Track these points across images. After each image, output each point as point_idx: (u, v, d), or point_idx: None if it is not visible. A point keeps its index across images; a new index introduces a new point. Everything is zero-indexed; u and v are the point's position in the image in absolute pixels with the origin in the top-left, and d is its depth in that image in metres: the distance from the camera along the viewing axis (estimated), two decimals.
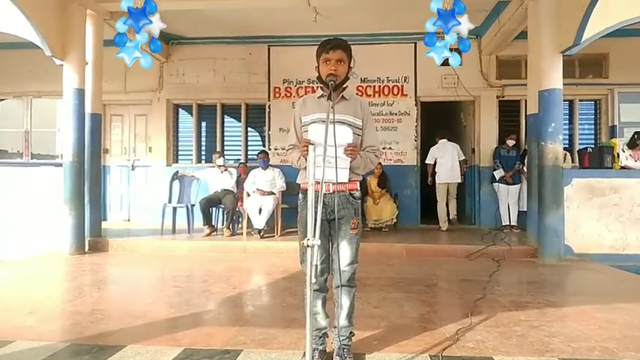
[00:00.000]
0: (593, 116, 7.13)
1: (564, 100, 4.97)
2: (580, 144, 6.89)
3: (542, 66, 4.56)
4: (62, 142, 5.26)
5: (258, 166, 5.93)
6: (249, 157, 7.37)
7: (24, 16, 4.41)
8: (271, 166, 6.02)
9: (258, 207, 5.55)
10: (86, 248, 5.05)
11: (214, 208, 5.97)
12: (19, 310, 2.84)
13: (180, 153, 7.62)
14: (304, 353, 1.71)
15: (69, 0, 4.92)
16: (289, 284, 3.57)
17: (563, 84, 4.55)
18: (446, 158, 6.34)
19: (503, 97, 6.92)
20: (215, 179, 6.02)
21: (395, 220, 6.26)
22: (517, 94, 6.69)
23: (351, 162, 1.92)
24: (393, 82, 7.02)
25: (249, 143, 7.50)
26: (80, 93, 5.05)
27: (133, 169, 7.46)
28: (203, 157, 7.55)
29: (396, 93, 7.02)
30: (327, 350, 2.06)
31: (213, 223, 5.84)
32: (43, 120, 7.66)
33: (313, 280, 1.56)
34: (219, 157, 6.08)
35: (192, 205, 5.96)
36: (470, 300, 3.04)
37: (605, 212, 4.78)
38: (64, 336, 2.36)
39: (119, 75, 6.97)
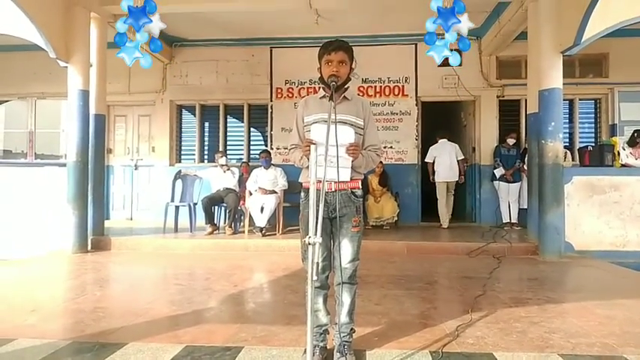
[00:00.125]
0: (593, 115, 7.13)
1: (564, 100, 5.00)
2: (580, 142, 6.91)
3: (542, 66, 4.58)
4: (66, 143, 5.31)
5: (261, 166, 5.97)
6: (251, 156, 7.41)
7: (28, 18, 4.45)
8: (273, 165, 6.06)
9: (260, 205, 5.58)
10: (89, 247, 5.09)
11: (216, 207, 6.00)
12: (21, 309, 2.86)
13: (183, 153, 7.67)
14: (305, 350, 1.73)
15: (73, 3, 4.97)
16: (291, 282, 3.59)
17: (564, 83, 4.57)
18: (444, 157, 6.40)
19: (503, 96, 6.94)
20: (217, 178, 6.06)
21: (396, 218, 6.29)
22: (517, 94, 6.73)
23: (353, 161, 1.94)
24: (394, 83, 7.05)
25: (251, 143, 7.54)
26: (84, 94, 5.10)
27: (136, 169, 7.51)
28: (206, 157, 7.59)
29: (397, 93, 7.05)
30: (328, 347, 2.08)
31: (215, 222, 5.87)
32: (47, 121, 7.72)
33: (314, 278, 1.58)
34: (222, 156, 6.11)
35: (195, 204, 6.00)
36: (470, 297, 3.06)
37: (606, 210, 4.79)
38: (66, 334, 2.38)
39: (123, 76, 7.03)
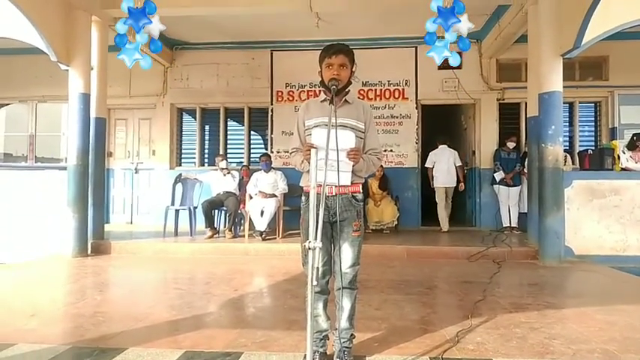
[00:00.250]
0: (593, 118, 7.14)
1: (564, 103, 4.99)
2: (580, 146, 6.90)
3: (542, 69, 4.58)
4: (67, 146, 5.31)
5: (261, 169, 5.97)
6: (251, 160, 7.41)
7: (30, 22, 4.47)
8: (273, 168, 6.06)
9: (260, 209, 5.58)
10: (89, 251, 5.09)
11: (217, 211, 6.00)
12: (21, 313, 2.86)
13: (183, 156, 7.68)
14: (305, 355, 1.72)
15: (74, 6, 4.99)
16: (291, 286, 3.59)
17: (564, 86, 4.58)
18: (443, 163, 6.44)
19: (503, 99, 6.95)
20: (218, 182, 6.06)
21: (396, 222, 6.29)
22: (517, 97, 6.73)
23: (353, 166, 1.94)
24: (394, 86, 7.06)
25: (251, 146, 7.55)
26: (85, 97, 5.11)
27: (136, 172, 7.52)
28: (206, 160, 7.60)
29: (397, 96, 7.06)
30: (328, 352, 2.08)
31: (215, 226, 5.87)
32: (47, 124, 7.73)
33: (314, 283, 1.58)
34: (222, 160, 6.11)
35: (195, 208, 6.00)
36: (470, 302, 3.05)
37: (606, 214, 4.78)
38: (66, 339, 2.37)
39: (124, 80, 7.05)
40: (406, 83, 7.04)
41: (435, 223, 6.54)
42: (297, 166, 2.06)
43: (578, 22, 4.16)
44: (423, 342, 2.30)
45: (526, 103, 5.62)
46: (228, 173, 6.07)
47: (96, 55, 5.39)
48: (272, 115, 7.24)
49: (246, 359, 2.08)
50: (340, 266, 1.98)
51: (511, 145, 6.27)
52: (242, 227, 6.00)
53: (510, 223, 6.23)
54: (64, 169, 5.16)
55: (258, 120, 7.51)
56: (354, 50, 2.06)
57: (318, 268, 1.58)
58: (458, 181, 6.49)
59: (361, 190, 2.07)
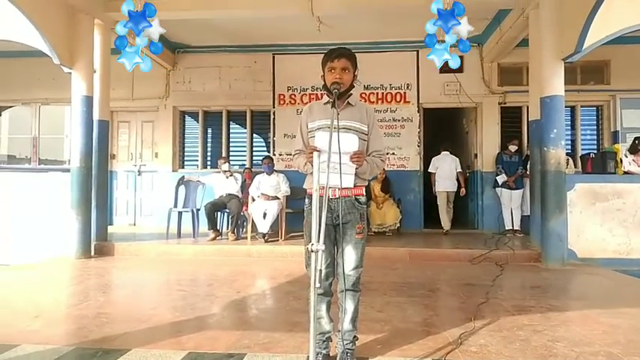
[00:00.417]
0: (595, 122, 7.14)
1: (566, 107, 5.00)
2: (582, 149, 6.92)
3: (544, 73, 4.59)
4: (70, 148, 5.34)
5: (263, 172, 5.99)
6: (254, 162, 7.43)
7: (33, 25, 4.50)
8: (276, 171, 6.07)
9: (262, 211, 5.59)
10: (92, 252, 5.10)
11: (219, 213, 6.01)
12: (24, 314, 2.87)
13: (186, 158, 7.70)
14: (308, 357, 1.73)
15: (77, 9, 5.03)
16: (293, 288, 3.59)
17: (565, 90, 4.58)
18: (444, 169, 6.53)
19: (504, 103, 6.97)
20: (220, 184, 6.07)
21: (398, 225, 6.29)
22: (519, 101, 6.75)
23: (356, 168, 1.95)
24: (395, 89, 7.08)
25: (254, 149, 7.57)
26: (88, 100, 5.14)
27: (139, 175, 7.54)
28: (209, 163, 7.62)
29: (398, 100, 7.08)
30: (331, 354, 2.08)
31: (218, 228, 5.88)
32: (50, 126, 7.77)
33: (317, 285, 1.59)
34: (225, 162, 6.13)
35: (198, 210, 6.00)
36: (473, 304, 3.05)
37: (609, 217, 4.77)
38: (69, 340, 2.38)
39: (126, 82, 7.08)
40: (408, 87, 7.06)
41: (438, 226, 6.58)
42: (301, 168, 2.07)
43: (579, 27, 4.18)
44: (426, 344, 2.30)
45: (527, 107, 5.63)
46: (231, 176, 6.08)
47: (98, 57, 5.42)
48: (274, 118, 7.27)
49: None
50: (343, 268, 1.99)
51: (513, 148, 6.28)
52: (244, 229, 6.01)
53: (513, 226, 6.24)
54: (68, 171, 5.18)
55: (261, 123, 7.53)
56: (355, 54, 2.07)
57: (321, 270, 1.58)
58: (459, 187, 6.58)
59: (364, 193, 2.07)
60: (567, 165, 5.38)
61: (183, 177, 6.38)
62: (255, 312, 3.05)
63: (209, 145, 7.71)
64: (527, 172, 5.91)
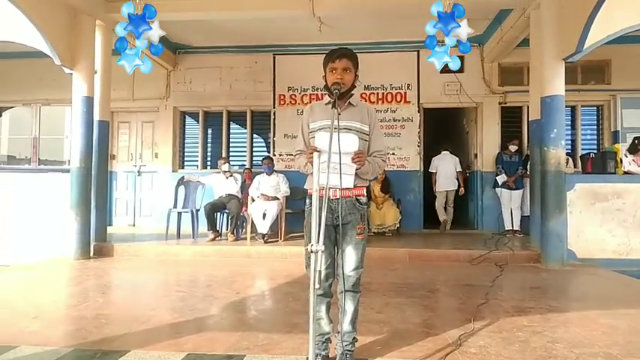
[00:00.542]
0: (595, 122, 7.13)
1: (567, 106, 5.00)
2: (582, 149, 6.91)
3: (545, 73, 4.59)
4: (70, 149, 5.34)
5: (263, 172, 5.98)
6: (254, 162, 7.43)
7: (35, 26, 4.51)
8: (276, 171, 6.07)
9: (262, 212, 5.58)
10: (91, 253, 5.10)
11: (219, 213, 6.01)
12: (23, 315, 2.87)
13: (186, 159, 7.70)
14: (307, 358, 1.72)
15: (78, 11, 5.03)
16: (293, 289, 3.59)
17: (566, 90, 4.58)
18: (444, 168, 6.57)
19: (505, 103, 6.96)
20: (220, 185, 6.07)
21: (398, 225, 6.29)
22: (519, 101, 6.75)
23: (358, 169, 1.95)
24: (396, 89, 7.08)
25: (254, 149, 7.57)
26: (89, 101, 5.14)
27: (139, 175, 7.55)
28: (209, 163, 7.62)
29: (399, 100, 7.07)
30: (330, 356, 2.08)
31: (217, 228, 5.88)
32: (51, 127, 7.78)
33: (317, 286, 1.58)
34: (225, 163, 6.13)
35: (197, 210, 6.00)
36: (472, 305, 3.05)
37: (609, 217, 4.76)
38: (68, 341, 2.38)
39: (127, 83, 7.09)
40: (408, 87, 7.05)
41: (438, 226, 6.60)
42: (301, 168, 2.07)
43: (580, 27, 4.17)
44: (425, 345, 2.30)
45: (528, 107, 5.62)
46: (231, 176, 6.08)
47: (99, 58, 5.42)
48: (274, 119, 7.27)
49: None
50: (343, 269, 1.99)
51: (513, 148, 6.28)
52: (244, 230, 6.01)
53: (512, 226, 6.23)
54: (67, 171, 5.19)
55: (261, 123, 7.53)
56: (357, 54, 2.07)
57: (320, 271, 1.58)
58: (458, 186, 6.60)
59: (365, 194, 2.07)
60: (567, 165, 5.37)
61: (183, 177, 6.38)
62: (254, 313, 3.05)
63: (209, 145, 7.71)
64: (527, 172, 5.91)
